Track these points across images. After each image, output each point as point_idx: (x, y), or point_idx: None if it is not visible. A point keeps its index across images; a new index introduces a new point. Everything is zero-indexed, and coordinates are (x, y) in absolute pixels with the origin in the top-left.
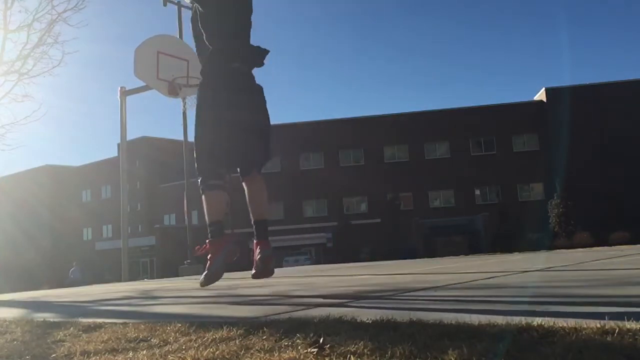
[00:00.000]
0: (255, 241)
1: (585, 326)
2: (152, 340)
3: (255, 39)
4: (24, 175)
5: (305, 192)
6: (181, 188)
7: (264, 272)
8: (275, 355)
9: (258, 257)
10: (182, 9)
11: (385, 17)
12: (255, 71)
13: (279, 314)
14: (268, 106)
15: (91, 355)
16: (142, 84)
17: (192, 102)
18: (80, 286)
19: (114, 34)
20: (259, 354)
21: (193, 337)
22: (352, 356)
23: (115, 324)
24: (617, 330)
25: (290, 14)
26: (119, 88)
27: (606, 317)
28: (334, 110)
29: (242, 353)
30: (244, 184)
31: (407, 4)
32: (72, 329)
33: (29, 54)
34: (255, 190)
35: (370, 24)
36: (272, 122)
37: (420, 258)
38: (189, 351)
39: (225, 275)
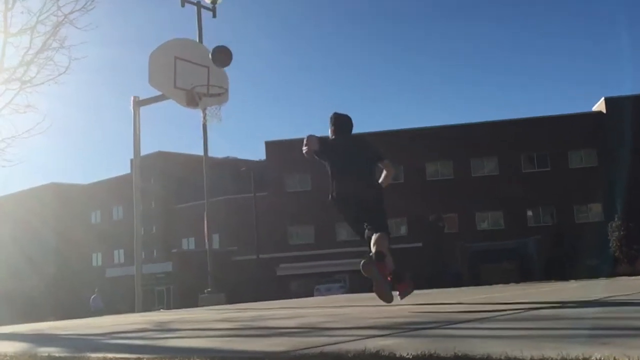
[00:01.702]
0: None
1: None
2: None
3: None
4: (26, 194)
5: (337, 213)
6: (201, 208)
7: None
8: None
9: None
10: (202, 9)
11: (422, 20)
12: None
13: (310, 348)
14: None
15: None
16: (157, 93)
17: (212, 113)
18: (102, 315)
19: (126, 37)
20: None
21: None
22: None
23: (128, 359)
24: None
25: (312, 24)
26: (132, 98)
27: None
28: (365, 123)
29: None
30: None
31: (448, 7)
32: None
33: (32, 59)
34: None
35: (403, 29)
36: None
37: (465, 286)
38: None
39: (249, 305)
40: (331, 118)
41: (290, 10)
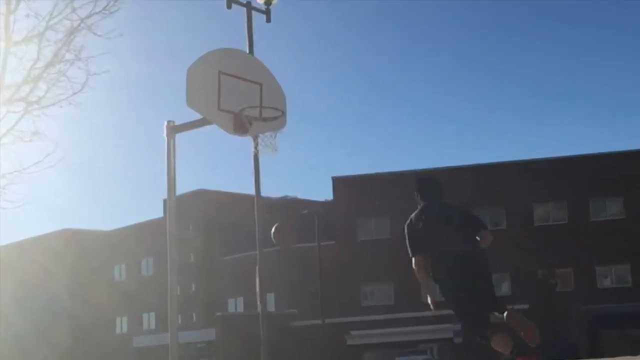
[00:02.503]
0: None
1: None
2: None
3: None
4: (33, 243)
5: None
6: (252, 261)
7: None
8: None
9: None
10: (253, 12)
11: (531, 31)
12: None
13: None
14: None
15: None
16: (197, 116)
17: (266, 141)
18: None
19: (158, 47)
20: None
21: None
22: None
23: None
24: None
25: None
26: (166, 123)
27: None
28: (457, 155)
29: None
30: None
31: (558, 15)
32: None
33: (40, 75)
34: None
35: (508, 39)
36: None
37: (584, 359)
38: None
39: None
40: (417, 184)
41: (368, 13)
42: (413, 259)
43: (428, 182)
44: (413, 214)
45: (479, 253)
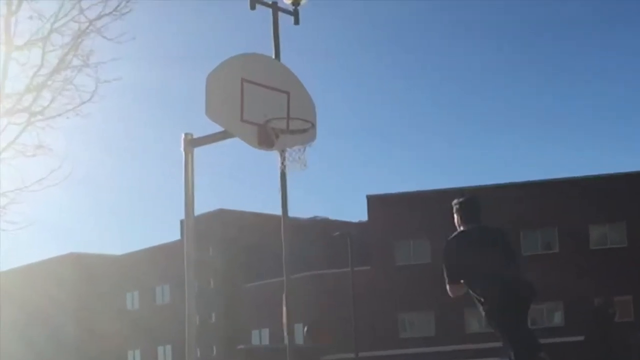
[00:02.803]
0: None
1: None
2: None
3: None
4: (37, 268)
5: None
6: (278, 288)
7: None
8: None
9: None
10: (280, 13)
11: (594, 33)
12: None
13: None
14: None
15: None
16: (218, 128)
17: (294, 156)
18: None
19: (174, 52)
20: None
21: None
22: None
23: None
24: None
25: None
26: (183, 135)
27: None
28: (500, 171)
29: None
30: None
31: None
32: None
33: (44, 82)
34: None
35: (561, 43)
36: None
37: None
38: None
39: None
40: (456, 205)
41: (407, 14)
42: (448, 286)
43: (468, 203)
44: (451, 237)
45: (525, 279)
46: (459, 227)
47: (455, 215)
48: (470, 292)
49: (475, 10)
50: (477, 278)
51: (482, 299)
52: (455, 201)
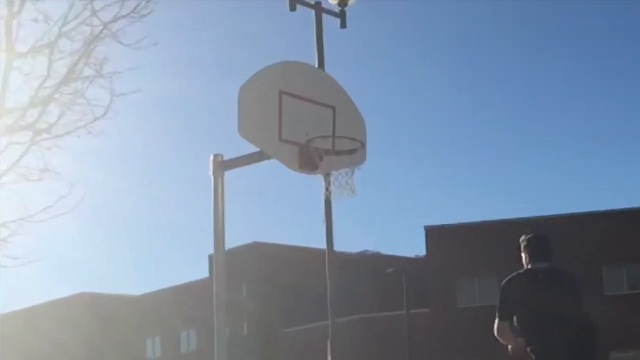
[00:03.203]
0: None
1: None
2: None
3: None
4: (43, 310)
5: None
6: (322, 334)
7: None
8: None
9: None
10: (324, 16)
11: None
12: None
13: None
14: None
15: None
16: (252, 149)
17: (341, 181)
18: None
19: (201, 60)
20: None
21: None
22: None
23: None
24: None
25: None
26: (212, 157)
27: None
28: (578, 199)
29: None
30: None
31: None
32: None
33: (51, 95)
34: None
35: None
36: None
37: None
38: None
39: None
40: (524, 243)
41: (472, 20)
42: (497, 321)
43: (538, 240)
44: (516, 274)
45: (595, 328)
46: (527, 266)
47: (522, 254)
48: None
49: (559, 12)
50: (538, 322)
51: (535, 345)
52: (523, 238)
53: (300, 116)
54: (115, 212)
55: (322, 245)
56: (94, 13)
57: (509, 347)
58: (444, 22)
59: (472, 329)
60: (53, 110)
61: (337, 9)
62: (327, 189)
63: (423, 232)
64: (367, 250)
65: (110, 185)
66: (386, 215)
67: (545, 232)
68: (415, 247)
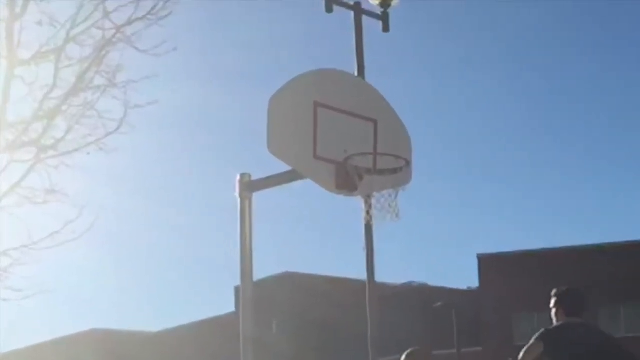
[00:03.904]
0: None
1: None
2: None
3: None
4: (49, 348)
5: None
6: None
7: None
8: None
9: None
10: (365, 18)
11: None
12: None
13: None
14: None
15: None
16: (283, 167)
17: (383, 203)
18: None
19: (225, 68)
20: None
21: None
22: None
23: None
24: None
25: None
26: (238, 177)
27: None
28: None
29: None
30: None
31: None
32: None
33: (57, 108)
34: None
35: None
36: None
37: None
38: None
39: None
40: (557, 294)
41: (537, 20)
42: (533, 340)
43: (574, 294)
44: (553, 327)
45: None
46: (558, 321)
47: (553, 308)
48: None
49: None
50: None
51: None
52: (555, 291)
53: (337, 130)
54: (130, 238)
55: (362, 275)
56: (106, 15)
57: None
58: (500, 25)
59: None
60: (60, 124)
61: (379, 10)
62: (368, 213)
63: (475, 261)
64: (412, 282)
65: (123, 208)
66: (434, 242)
67: (614, 262)
68: (466, 277)
